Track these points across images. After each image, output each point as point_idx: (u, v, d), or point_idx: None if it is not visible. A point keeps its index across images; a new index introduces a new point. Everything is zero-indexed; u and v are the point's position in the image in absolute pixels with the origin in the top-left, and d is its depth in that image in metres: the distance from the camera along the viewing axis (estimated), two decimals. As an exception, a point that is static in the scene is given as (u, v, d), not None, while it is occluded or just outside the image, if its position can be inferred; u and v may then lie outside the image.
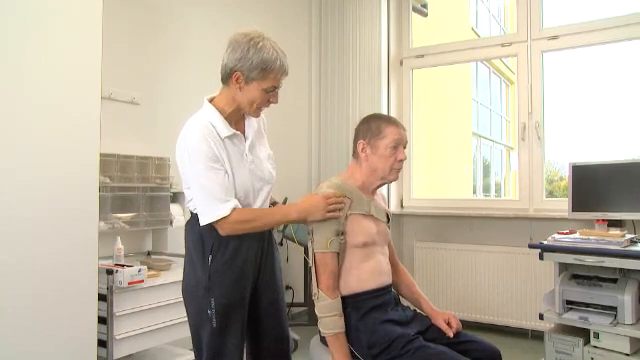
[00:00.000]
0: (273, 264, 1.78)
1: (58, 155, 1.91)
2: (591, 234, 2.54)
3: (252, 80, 1.58)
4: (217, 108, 1.64)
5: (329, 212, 1.63)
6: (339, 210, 1.66)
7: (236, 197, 1.61)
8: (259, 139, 1.76)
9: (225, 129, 1.62)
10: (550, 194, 5.06)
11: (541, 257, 2.56)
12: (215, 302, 1.61)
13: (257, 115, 1.70)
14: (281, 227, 3.24)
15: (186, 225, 1.73)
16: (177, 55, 3.11)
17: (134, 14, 2.89)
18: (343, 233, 1.68)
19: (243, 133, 1.70)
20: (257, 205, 1.70)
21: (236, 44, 1.59)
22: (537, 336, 3.27)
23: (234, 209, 1.56)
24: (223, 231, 1.58)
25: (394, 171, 1.77)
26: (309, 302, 3.50)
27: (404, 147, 1.78)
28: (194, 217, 1.65)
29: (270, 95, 1.63)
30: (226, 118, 1.64)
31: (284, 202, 3.28)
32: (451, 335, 1.71)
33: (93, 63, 2.02)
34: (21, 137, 1.80)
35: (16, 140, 1.79)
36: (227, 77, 1.62)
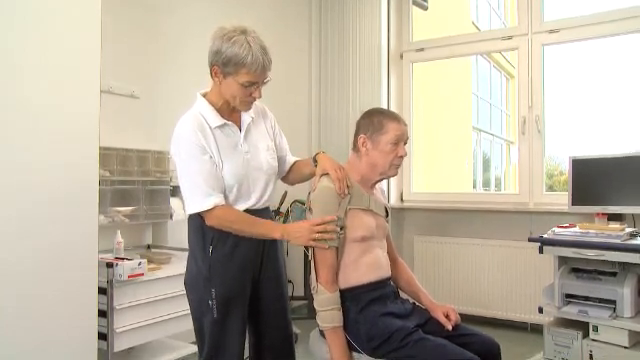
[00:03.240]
0: (276, 258, 1.78)
1: (58, 149, 1.90)
2: (591, 228, 2.54)
3: (228, 74, 1.58)
4: (209, 101, 1.67)
5: (314, 240, 1.60)
6: (327, 240, 1.61)
7: (229, 186, 1.63)
8: (258, 130, 1.75)
9: (215, 119, 1.63)
10: (550, 188, 5.05)
11: (541, 251, 2.56)
12: (215, 293, 1.62)
13: (245, 109, 1.68)
14: (281, 221, 3.27)
15: (189, 219, 1.73)
16: (177, 49, 3.10)
17: (134, 8, 2.87)
18: (343, 228, 1.67)
19: (238, 124, 1.70)
20: (256, 194, 1.70)
21: (214, 38, 1.61)
22: (536, 329, 3.27)
23: (217, 205, 1.57)
24: (208, 222, 1.61)
25: (394, 167, 1.77)
26: (309, 295, 3.51)
27: (405, 143, 1.78)
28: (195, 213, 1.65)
29: (251, 90, 1.60)
30: (218, 110, 1.66)
31: (284, 196, 3.30)
32: (450, 328, 1.71)
33: (92, 56, 2.01)
34: (20, 131, 1.80)
35: (15, 134, 1.78)
36: (210, 71, 1.64)
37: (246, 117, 1.72)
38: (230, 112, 1.69)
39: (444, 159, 7.42)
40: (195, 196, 1.58)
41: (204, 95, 1.70)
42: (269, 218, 1.80)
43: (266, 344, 1.78)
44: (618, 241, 2.36)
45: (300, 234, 1.60)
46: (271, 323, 1.78)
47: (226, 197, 1.63)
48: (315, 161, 1.77)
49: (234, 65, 1.56)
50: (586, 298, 2.46)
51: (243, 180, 1.66)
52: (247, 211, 1.67)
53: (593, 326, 2.40)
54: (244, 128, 1.70)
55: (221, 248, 1.63)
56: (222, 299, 1.63)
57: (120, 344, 2.26)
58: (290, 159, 1.89)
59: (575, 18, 3.34)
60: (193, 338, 1.76)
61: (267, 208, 1.79)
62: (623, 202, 2.76)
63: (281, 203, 3.31)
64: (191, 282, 1.69)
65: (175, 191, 2.88)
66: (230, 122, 1.66)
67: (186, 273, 1.73)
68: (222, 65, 1.58)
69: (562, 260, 2.61)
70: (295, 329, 3.20)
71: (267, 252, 1.74)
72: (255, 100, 1.66)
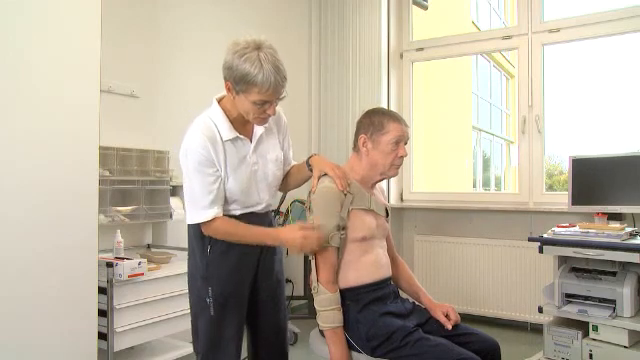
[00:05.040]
0: (273, 257, 1.79)
1: (58, 148, 1.90)
2: (591, 227, 2.54)
3: (239, 92, 1.53)
4: (224, 109, 1.63)
5: (306, 249, 1.61)
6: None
7: (233, 195, 1.63)
8: (269, 140, 1.72)
9: (228, 132, 1.60)
10: (550, 188, 5.06)
11: (541, 250, 2.56)
12: (212, 291, 1.64)
13: (259, 124, 1.65)
14: (281, 220, 3.28)
15: None
16: (177, 48, 3.10)
17: (134, 7, 2.87)
18: (344, 228, 1.68)
19: (250, 135, 1.67)
20: (259, 202, 1.71)
21: (227, 52, 1.53)
22: (536, 329, 3.28)
23: (217, 216, 1.59)
24: (205, 232, 1.62)
25: (394, 167, 1.77)
26: (309, 295, 3.51)
27: (405, 143, 1.78)
28: None
29: (264, 107, 1.55)
30: (233, 120, 1.62)
31: (283, 196, 3.30)
32: (449, 327, 1.71)
33: (92, 56, 2.01)
34: (20, 131, 1.80)
35: (16, 134, 1.78)
36: (224, 85, 1.59)
37: (259, 128, 1.69)
38: (245, 122, 1.65)
39: (444, 159, 7.43)
40: (196, 208, 1.59)
41: (220, 100, 1.65)
42: (270, 220, 1.81)
43: (261, 340, 1.80)
44: (618, 240, 2.36)
45: (292, 244, 1.60)
46: (266, 320, 1.79)
47: (229, 203, 1.64)
48: (309, 165, 1.77)
49: (245, 83, 1.49)
50: (586, 298, 2.46)
51: (247, 191, 1.67)
52: (249, 214, 1.68)
53: (593, 326, 2.40)
54: (255, 140, 1.67)
55: (219, 247, 1.64)
56: (219, 297, 1.64)
57: (120, 344, 2.26)
58: (289, 166, 1.87)
59: (575, 18, 3.34)
60: (193, 338, 1.76)
61: (268, 212, 1.80)
62: (623, 202, 2.76)
63: (281, 203, 3.31)
64: (190, 279, 1.72)
65: (175, 190, 2.88)
66: (242, 136, 1.64)
67: (187, 270, 1.75)
68: (234, 82, 1.52)
69: (562, 260, 2.60)
70: (295, 329, 3.22)
71: (266, 250, 1.75)
72: (269, 117, 1.62)
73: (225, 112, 1.62)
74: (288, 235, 1.61)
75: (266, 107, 1.55)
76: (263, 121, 1.62)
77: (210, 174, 1.57)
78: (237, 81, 1.50)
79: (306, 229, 1.59)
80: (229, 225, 1.62)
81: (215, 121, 1.61)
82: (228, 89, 1.56)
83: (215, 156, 1.58)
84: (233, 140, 1.62)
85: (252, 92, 1.50)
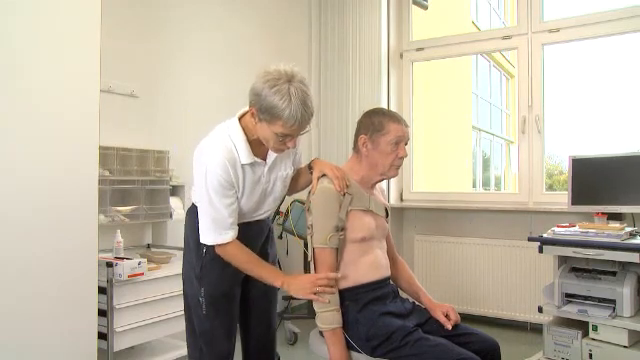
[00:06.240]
0: (267, 251, 1.82)
1: (57, 148, 1.90)
2: (590, 227, 2.54)
3: (263, 120, 1.51)
4: (245, 128, 1.61)
5: (314, 294, 1.59)
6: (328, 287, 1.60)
7: (241, 213, 1.65)
8: (283, 160, 1.72)
9: (247, 156, 1.59)
10: (550, 188, 5.06)
11: (541, 250, 2.56)
12: (205, 291, 1.67)
13: (276, 152, 1.64)
14: (281, 220, 3.27)
15: (187, 213, 1.77)
16: (177, 48, 3.10)
17: (134, 6, 2.87)
18: (343, 229, 1.68)
19: (265, 156, 1.67)
20: (261, 212, 1.74)
21: (257, 79, 1.51)
22: (536, 329, 3.28)
23: (233, 239, 1.60)
24: (217, 251, 1.62)
25: (394, 168, 1.77)
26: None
27: (405, 144, 1.78)
28: (194, 207, 1.69)
29: (285, 140, 1.54)
30: (252, 142, 1.61)
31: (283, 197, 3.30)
32: (449, 327, 1.71)
33: (92, 56, 2.01)
34: (20, 131, 1.79)
35: (16, 134, 1.78)
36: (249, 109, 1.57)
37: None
38: (261, 143, 1.63)
39: (444, 158, 7.43)
40: (214, 230, 1.58)
41: (241, 117, 1.63)
42: (268, 224, 1.85)
43: (252, 334, 1.84)
44: (618, 240, 2.36)
45: (300, 290, 1.60)
46: (257, 317, 1.83)
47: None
48: (310, 168, 1.78)
49: (270, 115, 1.48)
50: (586, 297, 2.46)
51: (255, 207, 1.70)
52: (250, 222, 1.71)
53: (593, 325, 2.40)
54: (270, 162, 1.67)
55: (214, 252, 1.65)
56: (210, 298, 1.68)
57: (120, 343, 2.26)
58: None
59: (575, 18, 3.34)
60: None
61: (267, 217, 1.84)
62: (623, 201, 2.76)
63: (281, 203, 3.31)
64: (185, 276, 1.76)
65: (175, 190, 2.88)
66: (259, 159, 1.64)
67: (182, 266, 1.78)
68: (259, 110, 1.50)
69: (562, 259, 2.60)
70: (295, 329, 3.22)
71: (260, 250, 1.77)
72: (288, 149, 1.62)
73: (245, 131, 1.61)
74: (298, 286, 1.60)
75: (287, 140, 1.55)
76: (280, 151, 1.63)
77: (230, 195, 1.58)
78: (263, 110, 1.49)
79: (318, 281, 1.59)
80: (242, 252, 1.62)
81: (235, 142, 1.59)
82: (252, 114, 1.54)
83: (234, 179, 1.58)
84: (251, 164, 1.62)
85: (276, 124, 1.49)
